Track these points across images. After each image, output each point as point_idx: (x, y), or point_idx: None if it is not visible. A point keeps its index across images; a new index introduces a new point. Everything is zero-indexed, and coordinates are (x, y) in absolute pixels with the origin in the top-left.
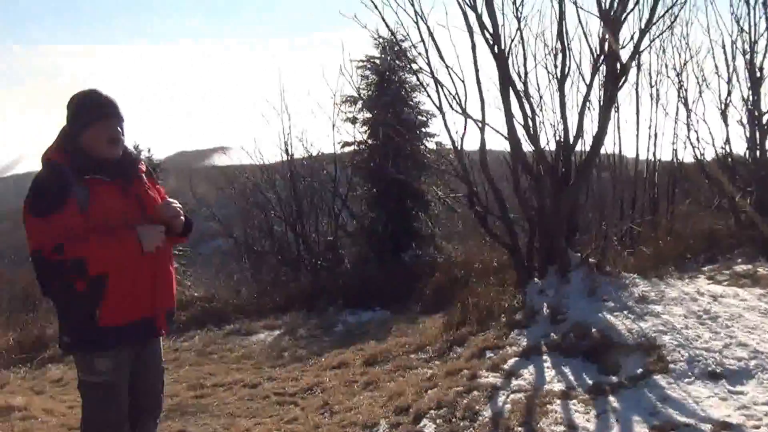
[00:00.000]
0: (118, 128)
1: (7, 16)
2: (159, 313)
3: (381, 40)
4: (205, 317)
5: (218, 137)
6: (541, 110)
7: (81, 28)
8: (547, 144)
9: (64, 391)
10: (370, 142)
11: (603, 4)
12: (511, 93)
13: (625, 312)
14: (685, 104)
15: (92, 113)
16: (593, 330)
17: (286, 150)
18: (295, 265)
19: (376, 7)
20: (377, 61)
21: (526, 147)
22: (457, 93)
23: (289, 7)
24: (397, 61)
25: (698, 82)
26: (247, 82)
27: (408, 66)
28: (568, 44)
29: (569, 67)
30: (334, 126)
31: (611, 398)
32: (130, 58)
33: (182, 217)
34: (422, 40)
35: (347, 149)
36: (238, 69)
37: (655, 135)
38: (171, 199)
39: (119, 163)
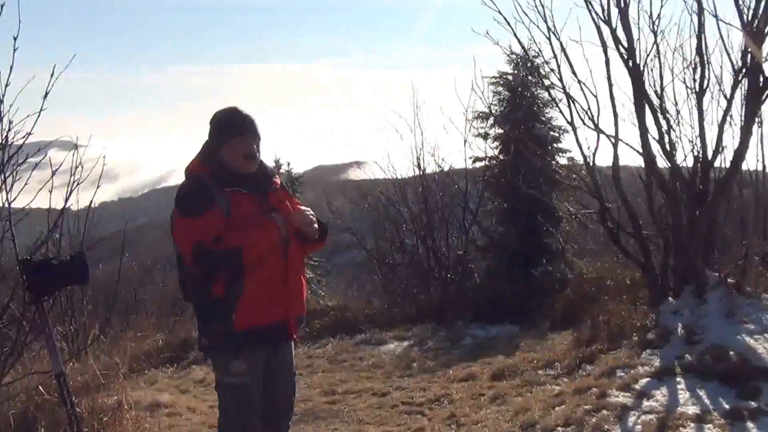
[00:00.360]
0: (254, 145)
1: (162, 38)
2: (290, 318)
3: (513, 56)
4: (337, 326)
5: (354, 152)
6: (678, 125)
7: (225, 50)
8: (684, 160)
9: (206, 391)
10: (501, 157)
11: (745, 16)
12: (646, 108)
13: (767, 335)
14: None
15: (231, 129)
16: (731, 353)
17: (419, 165)
18: (425, 278)
19: (508, 23)
20: (509, 77)
21: (661, 163)
22: (589, 108)
23: (422, 22)
24: (529, 77)
25: None
26: (381, 97)
27: (540, 82)
28: (707, 57)
29: (708, 81)
30: (465, 141)
31: (750, 424)
32: (270, 76)
33: (315, 225)
34: (554, 56)
35: (478, 164)
36: (372, 85)
37: None
38: (304, 207)
39: (255, 178)
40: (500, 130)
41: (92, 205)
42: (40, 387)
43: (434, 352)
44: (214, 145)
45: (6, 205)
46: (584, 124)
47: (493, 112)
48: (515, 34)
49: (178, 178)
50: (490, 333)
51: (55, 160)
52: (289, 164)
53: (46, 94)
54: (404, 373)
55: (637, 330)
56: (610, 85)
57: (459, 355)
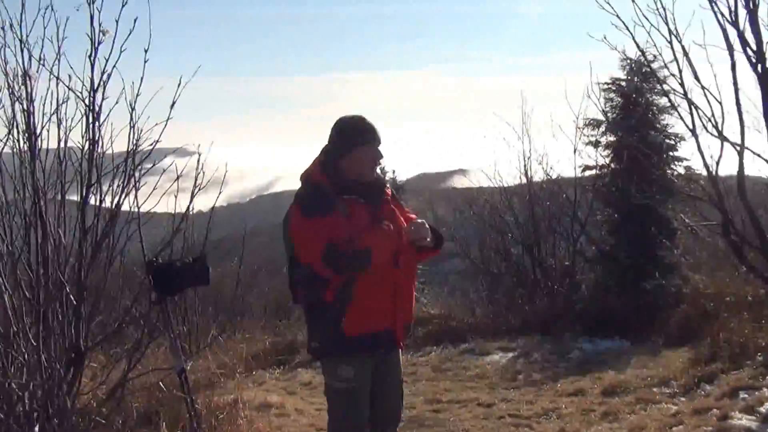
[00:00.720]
0: (380, 153)
1: (274, 48)
2: (398, 326)
3: (627, 62)
4: (441, 334)
5: (458, 159)
6: None
7: (331, 59)
8: None
9: (312, 394)
10: (612, 166)
11: None
12: None
13: None
14: None
15: (358, 138)
16: None
17: (526, 173)
18: (530, 289)
19: (627, 28)
20: (623, 83)
21: None
22: (713, 115)
23: (529, 28)
24: (644, 83)
25: None
26: (485, 104)
27: (657, 87)
28: None
29: None
30: (575, 150)
31: None
32: (378, 84)
33: (428, 238)
34: (675, 60)
35: (588, 173)
36: (478, 91)
37: None
38: (419, 220)
39: (369, 187)
40: (612, 138)
41: (202, 210)
42: (160, 383)
43: (540, 365)
44: (338, 152)
45: (132, 209)
46: (707, 131)
47: (606, 118)
48: (634, 38)
49: (285, 185)
50: (599, 347)
51: (170, 166)
52: (393, 172)
53: (173, 103)
54: (510, 384)
55: (762, 350)
56: (736, 90)
57: (566, 368)
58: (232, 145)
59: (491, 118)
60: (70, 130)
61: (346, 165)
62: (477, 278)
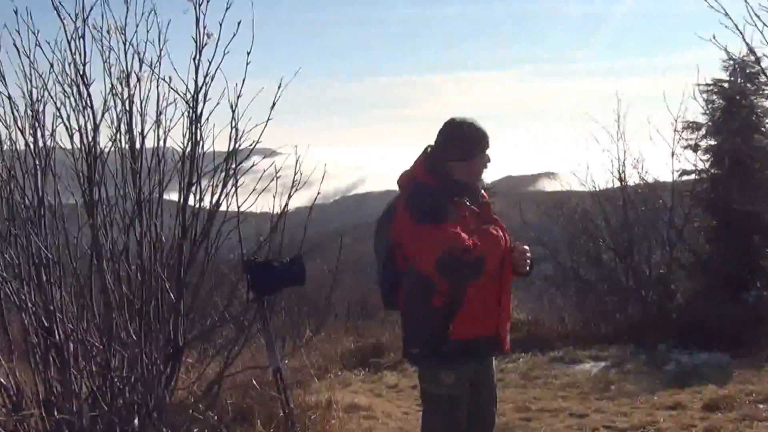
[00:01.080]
0: (489, 158)
1: (357, 49)
2: (501, 331)
3: (731, 62)
4: (529, 341)
5: (545, 162)
6: None
7: (414, 61)
8: None
9: (399, 396)
10: (713, 171)
11: None
12: None
13: None
14: None
15: (477, 144)
16: None
17: (620, 177)
18: (622, 296)
19: (737, 27)
20: (725, 84)
21: None
22: None
23: (622, 28)
24: (748, 84)
25: None
26: (576, 105)
27: (763, 89)
28: None
29: None
30: (673, 153)
31: None
32: (461, 86)
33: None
34: None
35: (686, 178)
36: (565, 92)
37: None
38: (525, 247)
39: (469, 188)
40: (712, 141)
41: (288, 210)
42: (253, 380)
43: (634, 376)
44: (451, 157)
45: (228, 208)
46: None
47: (707, 121)
48: (743, 38)
49: (369, 186)
50: (697, 360)
51: (260, 166)
52: None
53: (273, 104)
54: (602, 395)
55: None
56: None
57: (662, 381)
58: (316, 145)
59: (581, 121)
60: (170, 130)
61: (458, 169)
62: (566, 284)
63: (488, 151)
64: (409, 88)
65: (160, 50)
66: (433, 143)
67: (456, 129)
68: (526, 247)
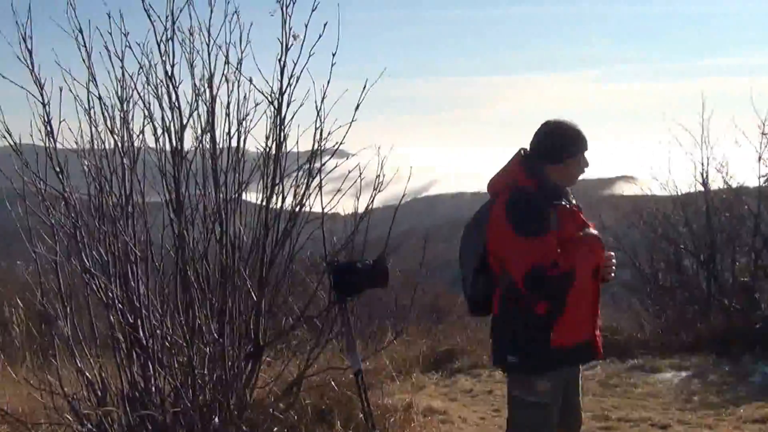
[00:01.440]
0: (587, 160)
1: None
2: (596, 336)
3: None
4: (608, 348)
5: (621, 166)
6: None
7: (483, 62)
8: None
9: (474, 402)
10: None
11: None
12: None
13: None
14: None
15: (578, 145)
16: None
17: (703, 182)
18: (704, 305)
19: None
20: None
21: None
22: None
23: (711, 27)
24: None
25: None
26: (657, 106)
27: None
28: None
29: None
30: (759, 158)
31: None
32: (534, 87)
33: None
34: None
35: None
36: (643, 94)
37: None
38: (611, 253)
39: (565, 193)
40: None
41: (364, 211)
42: (332, 382)
43: (718, 387)
44: (549, 159)
45: (311, 209)
46: None
47: None
48: None
49: (440, 189)
50: None
51: (328, 166)
52: None
53: (358, 105)
54: (684, 406)
55: None
56: None
57: (747, 393)
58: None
59: (662, 123)
60: (250, 131)
61: (555, 172)
62: (644, 291)
63: (586, 154)
64: (480, 89)
65: (242, 52)
66: (527, 146)
67: (551, 130)
68: (612, 254)
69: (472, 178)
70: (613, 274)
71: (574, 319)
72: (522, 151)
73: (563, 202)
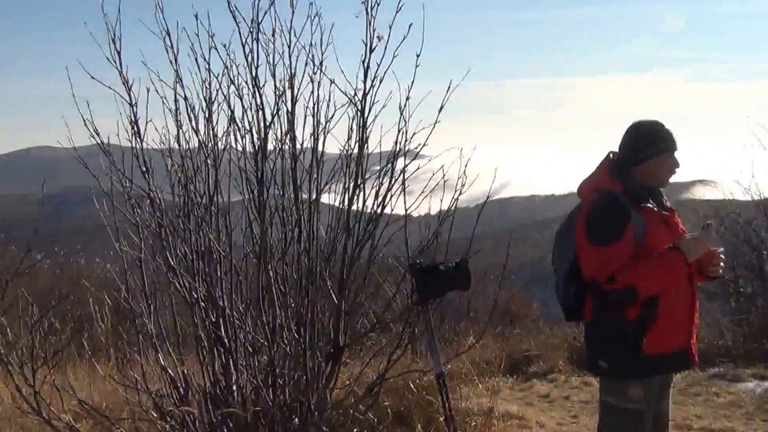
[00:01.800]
0: (677, 161)
1: (494, 51)
2: (692, 344)
3: None
4: None
5: (700, 169)
6: None
7: (554, 63)
8: None
9: (551, 407)
10: None
11: None
12: None
13: None
14: None
15: (662, 144)
16: None
17: None
18: None
19: None
20: None
21: None
22: None
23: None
24: None
25: None
26: (736, 109)
27: None
28: None
29: None
30: None
31: None
32: (606, 88)
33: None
34: None
35: None
36: (712, 96)
37: None
38: (719, 249)
39: (656, 195)
40: None
41: (446, 213)
42: (410, 384)
43: None
44: (635, 159)
45: (390, 211)
46: None
47: None
48: None
49: (512, 191)
50: None
51: (439, 169)
52: None
53: (441, 107)
54: None
55: None
56: None
57: None
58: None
59: (743, 126)
60: (328, 132)
61: (642, 172)
62: (725, 297)
63: (676, 155)
64: (559, 90)
65: (323, 53)
66: (616, 149)
67: (635, 131)
68: (720, 249)
69: (544, 181)
70: (720, 271)
71: (668, 325)
72: (611, 154)
73: (650, 205)
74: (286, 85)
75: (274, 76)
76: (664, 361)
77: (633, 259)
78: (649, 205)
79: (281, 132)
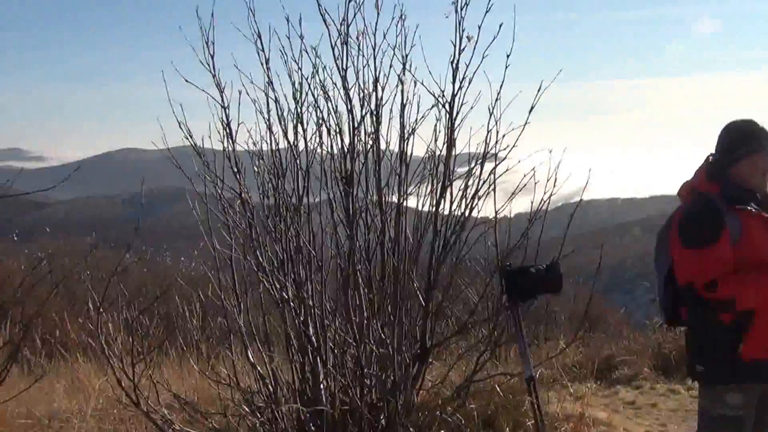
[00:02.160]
0: None
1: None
2: None
3: None
4: None
5: None
6: None
7: (621, 65)
8: None
9: (637, 414)
10: None
11: None
12: None
13: None
14: None
15: (751, 144)
16: None
17: None
18: None
19: None
20: None
21: None
22: None
23: None
24: None
25: None
26: None
27: None
28: None
29: None
30: None
31: None
32: (682, 88)
33: None
34: None
35: None
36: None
37: None
38: None
39: (756, 196)
40: None
41: (535, 215)
42: (496, 387)
43: None
44: (728, 159)
45: (477, 214)
46: None
47: None
48: None
49: (593, 194)
50: None
51: (530, 171)
52: None
53: (532, 107)
54: None
55: None
56: None
57: None
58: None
59: None
60: (416, 131)
61: (737, 173)
62: None
63: None
64: (643, 91)
65: (406, 55)
66: (713, 151)
67: (727, 130)
68: None
69: (626, 183)
70: None
71: (766, 331)
72: (709, 156)
73: (749, 207)
74: (371, 86)
75: (362, 77)
76: (762, 368)
77: (733, 265)
78: (747, 207)
79: (367, 133)
